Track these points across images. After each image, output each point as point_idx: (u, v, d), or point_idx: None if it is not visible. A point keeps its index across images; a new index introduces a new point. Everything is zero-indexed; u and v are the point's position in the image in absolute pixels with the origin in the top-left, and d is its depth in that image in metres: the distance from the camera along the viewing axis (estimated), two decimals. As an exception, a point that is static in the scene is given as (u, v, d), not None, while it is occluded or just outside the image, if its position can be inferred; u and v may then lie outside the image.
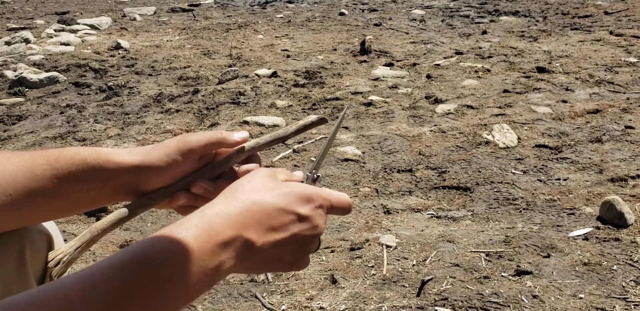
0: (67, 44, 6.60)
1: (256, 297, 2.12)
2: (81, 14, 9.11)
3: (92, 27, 7.70)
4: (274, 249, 0.74)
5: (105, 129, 4.06)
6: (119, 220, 0.88)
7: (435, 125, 3.76)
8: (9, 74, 5.33)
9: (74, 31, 7.39)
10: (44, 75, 5.22)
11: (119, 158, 0.85)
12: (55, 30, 7.35)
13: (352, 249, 2.40)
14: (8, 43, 6.48)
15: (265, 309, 2.06)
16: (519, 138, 3.45)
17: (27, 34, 6.74)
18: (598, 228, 2.46)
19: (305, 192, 0.79)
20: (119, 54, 6.23)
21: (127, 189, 0.88)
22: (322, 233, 0.79)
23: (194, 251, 0.66)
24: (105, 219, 0.87)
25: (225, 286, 2.19)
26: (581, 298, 2.00)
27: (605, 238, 2.37)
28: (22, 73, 5.18)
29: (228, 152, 0.94)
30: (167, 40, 6.86)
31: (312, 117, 0.97)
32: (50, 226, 0.95)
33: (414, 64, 5.29)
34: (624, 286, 2.06)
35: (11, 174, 0.81)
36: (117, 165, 0.85)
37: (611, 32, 6.16)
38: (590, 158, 3.16)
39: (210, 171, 0.91)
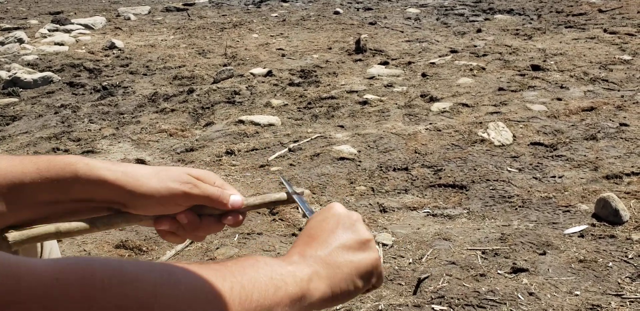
0: (61, 44, 6.58)
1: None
2: (75, 13, 9.08)
3: (86, 26, 7.67)
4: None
5: (100, 129, 4.05)
6: (80, 231, 0.85)
7: (430, 123, 3.76)
8: (3, 74, 5.30)
9: (68, 31, 7.36)
10: (38, 75, 5.20)
11: (110, 177, 0.83)
12: (49, 30, 7.32)
13: (348, 247, 2.40)
14: (2, 43, 6.46)
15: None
16: (514, 136, 3.46)
17: (20, 34, 6.71)
18: (593, 225, 2.46)
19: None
20: (114, 53, 6.22)
21: (114, 206, 0.87)
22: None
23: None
24: (70, 225, 0.85)
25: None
26: (577, 295, 2.01)
27: (601, 235, 2.38)
28: (16, 73, 5.16)
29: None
30: (162, 40, 6.84)
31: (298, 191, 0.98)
32: None
33: (409, 63, 5.29)
34: (619, 283, 2.07)
35: None
36: (107, 184, 0.83)
37: (605, 30, 6.18)
38: (585, 156, 3.17)
39: (195, 208, 0.91)
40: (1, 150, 3.76)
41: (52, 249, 1.03)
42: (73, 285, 0.54)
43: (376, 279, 0.83)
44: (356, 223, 0.85)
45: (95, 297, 0.54)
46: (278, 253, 2.40)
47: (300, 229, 2.58)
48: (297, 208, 2.68)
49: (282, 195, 0.96)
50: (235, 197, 0.91)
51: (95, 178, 0.82)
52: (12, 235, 0.81)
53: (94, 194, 0.84)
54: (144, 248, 2.47)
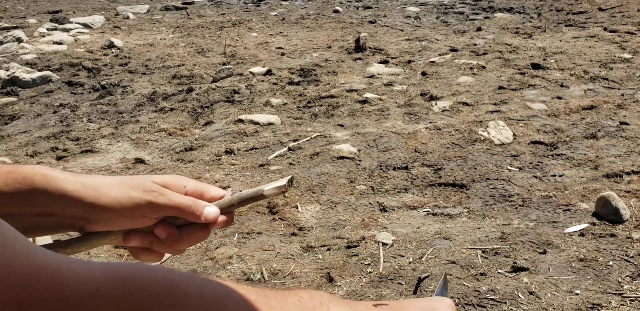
0: (59, 43, 6.57)
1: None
2: (74, 12, 9.06)
3: (85, 25, 7.66)
4: None
5: (99, 129, 4.04)
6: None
7: (430, 122, 3.76)
8: (2, 73, 5.29)
9: (67, 30, 7.35)
10: (36, 74, 5.19)
11: (69, 188, 0.77)
12: (47, 29, 7.31)
13: (348, 247, 2.39)
14: (0, 42, 6.44)
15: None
16: (514, 135, 3.45)
17: (19, 33, 6.70)
18: (594, 224, 2.46)
19: None
20: (112, 52, 6.20)
21: (77, 223, 0.80)
22: None
23: None
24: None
25: (221, 285, 2.18)
26: (577, 293, 2.00)
27: (601, 233, 2.37)
28: (14, 72, 5.15)
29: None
30: (161, 39, 6.83)
31: (275, 184, 0.83)
32: None
33: (409, 61, 5.28)
34: (619, 282, 2.06)
35: None
36: (65, 195, 0.77)
37: (605, 29, 6.17)
38: (585, 154, 3.16)
39: (169, 219, 0.81)
40: (0, 150, 3.75)
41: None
42: (114, 301, 0.52)
43: None
44: None
45: None
46: (278, 253, 2.39)
47: (300, 229, 2.57)
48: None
49: (259, 189, 0.83)
50: (210, 209, 0.81)
51: (54, 190, 0.77)
52: None
53: (54, 207, 0.78)
54: (143, 248, 2.46)
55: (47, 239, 1.05)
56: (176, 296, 0.56)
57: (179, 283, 0.58)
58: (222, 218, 0.83)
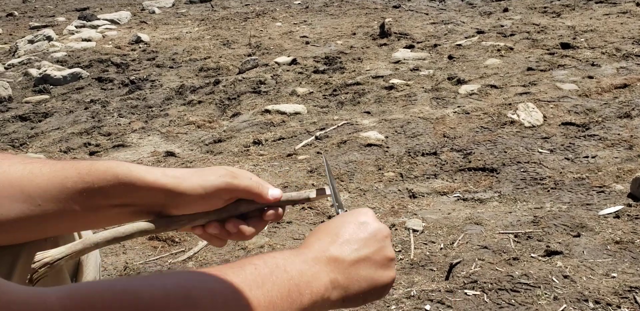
0: (88, 40, 6.67)
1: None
2: (101, 9, 9.18)
3: (112, 21, 7.75)
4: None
5: (129, 123, 4.10)
6: (115, 239, 0.86)
7: (458, 106, 3.71)
8: (34, 72, 5.41)
9: (95, 27, 7.45)
10: (67, 71, 5.28)
11: (150, 178, 0.84)
12: (76, 27, 7.42)
13: (378, 234, 2.39)
14: (31, 41, 6.57)
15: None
16: (544, 116, 3.39)
17: (49, 31, 6.82)
18: (629, 205, 2.40)
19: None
20: (140, 47, 6.27)
21: (154, 210, 0.87)
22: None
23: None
24: (101, 234, 0.85)
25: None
26: (614, 277, 1.97)
27: (637, 215, 2.32)
28: (46, 71, 5.26)
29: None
30: (187, 32, 6.87)
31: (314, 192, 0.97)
32: None
33: (435, 45, 5.22)
34: (657, 264, 2.02)
35: (41, 184, 0.81)
36: (148, 185, 0.83)
37: (638, 4, 5.98)
38: (619, 134, 3.09)
39: (234, 208, 0.91)
40: (35, 146, 3.84)
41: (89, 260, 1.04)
42: None
43: (382, 296, 0.84)
44: (387, 239, 0.85)
45: None
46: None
47: (329, 217, 2.58)
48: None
49: (313, 193, 0.96)
50: (273, 190, 0.92)
51: (136, 180, 0.83)
52: (38, 273, 0.81)
53: (134, 197, 0.84)
54: (176, 239, 2.50)
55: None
56: (140, 304, 0.58)
57: (140, 291, 0.60)
58: (280, 210, 0.94)
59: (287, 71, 4.88)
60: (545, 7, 6.34)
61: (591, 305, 1.84)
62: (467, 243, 2.27)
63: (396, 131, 3.43)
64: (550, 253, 2.13)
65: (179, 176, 0.86)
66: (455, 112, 3.62)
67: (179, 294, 0.61)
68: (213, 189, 0.86)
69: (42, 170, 0.82)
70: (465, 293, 1.96)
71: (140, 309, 0.57)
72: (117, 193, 0.83)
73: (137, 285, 0.62)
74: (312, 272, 0.75)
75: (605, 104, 3.51)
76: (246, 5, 8.57)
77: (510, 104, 3.61)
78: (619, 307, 1.82)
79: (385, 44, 5.45)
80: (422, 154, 3.11)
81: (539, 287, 1.94)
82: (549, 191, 2.62)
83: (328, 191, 0.95)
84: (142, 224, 0.87)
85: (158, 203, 0.86)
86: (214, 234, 0.91)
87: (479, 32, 5.53)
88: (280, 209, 0.93)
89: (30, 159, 0.86)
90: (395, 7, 7.27)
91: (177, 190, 0.84)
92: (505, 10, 6.40)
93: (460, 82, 4.15)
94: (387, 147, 3.24)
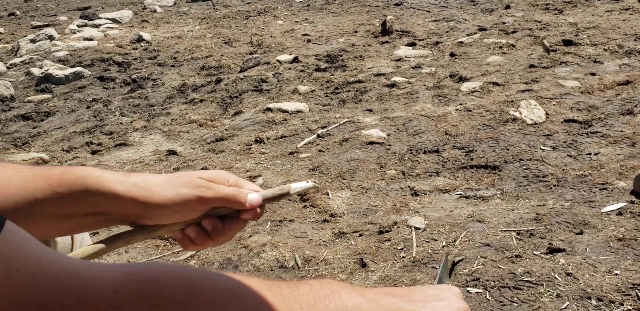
0: (90, 39, 6.67)
1: (287, 283, 2.13)
2: (102, 8, 9.18)
3: (114, 20, 7.75)
4: None
5: (131, 122, 4.11)
6: (101, 251, 0.86)
7: (460, 104, 3.70)
8: (36, 71, 5.41)
9: (97, 26, 7.45)
10: (69, 71, 5.29)
11: (121, 189, 0.82)
12: (78, 26, 7.42)
13: (380, 232, 2.39)
14: (33, 41, 6.58)
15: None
16: (547, 114, 3.38)
17: (51, 30, 6.82)
18: (632, 202, 2.40)
19: None
20: (141, 46, 6.27)
21: (128, 219, 0.86)
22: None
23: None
24: (86, 249, 0.85)
25: (256, 273, 2.21)
26: (617, 274, 1.96)
27: (640, 212, 2.32)
28: (47, 70, 5.26)
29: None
30: (188, 31, 6.87)
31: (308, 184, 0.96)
32: None
33: (437, 43, 5.21)
34: (660, 261, 2.01)
35: (12, 197, 0.79)
36: (118, 196, 0.82)
37: (640, 0, 5.96)
38: (621, 131, 3.08)
39: (215, 213, 0.90)
40: (37, 146, 3.85)
41: (83, 239, 1.05)
42: (133, 300, 0.54)
43: None
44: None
45: None
46: (310, 240, 2.41)
47: (331, 215, 2.58)
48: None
49: (285, 187, 0.94)
50: (252, 195, 0.89)
51: (106, 191, 0.82)
52: None
53: (106, 207, 0.83)
54: (178, 238, 2.50)
55: (86, 237, 1.08)
56: (191, 292, 0.58)
57: (193, 280, 0.60)
58: (258, 210, 0.91)
59: (289, 69, 4.88)
60: (547, 4, 6.32)
61: (594, 302, 1.84)
62: (469, 240, 2.27)
63: (398, 129, 3.43)
64: (552, 251, 2.12)
65: (151, 187, 0.83)
66: (457, 109, 3.61)
67: (227, 295, 0.61)
68: (185, 203, 0.84)
69: (13, 180, 0.81)
70: (468, 291, 1.95)
71: (187, 297, 0.57)
72: (88, 203, 0.82)
73: (191, 273, 0.62)
74: (368, 307, 0.71)
75: (607, 101, 3.50)
76: (247, 3, 8.57)
77: (512, 101, 3.60)
78: (622, 304, 1.81)
79: (386, 42, 5.44)
80: (424, 152, 3.10)
81: (542, 285, 1.94)
82: (551, 188, 2.61)
83: (309, 183, 0.93)
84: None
85: (131, 213, 0.84)
86: (192, 238, 0.89)
87: (481, 29, 5.52)
88: (258, 210, 0.91)
89: (1, 165, 0.84)
90: (396, 4, 7.26)
91: (150, 203, 0.83)
92: (507, 7, 6.38)
93: (462, 79, 4.14)
94: (389, 145, 3.24)
